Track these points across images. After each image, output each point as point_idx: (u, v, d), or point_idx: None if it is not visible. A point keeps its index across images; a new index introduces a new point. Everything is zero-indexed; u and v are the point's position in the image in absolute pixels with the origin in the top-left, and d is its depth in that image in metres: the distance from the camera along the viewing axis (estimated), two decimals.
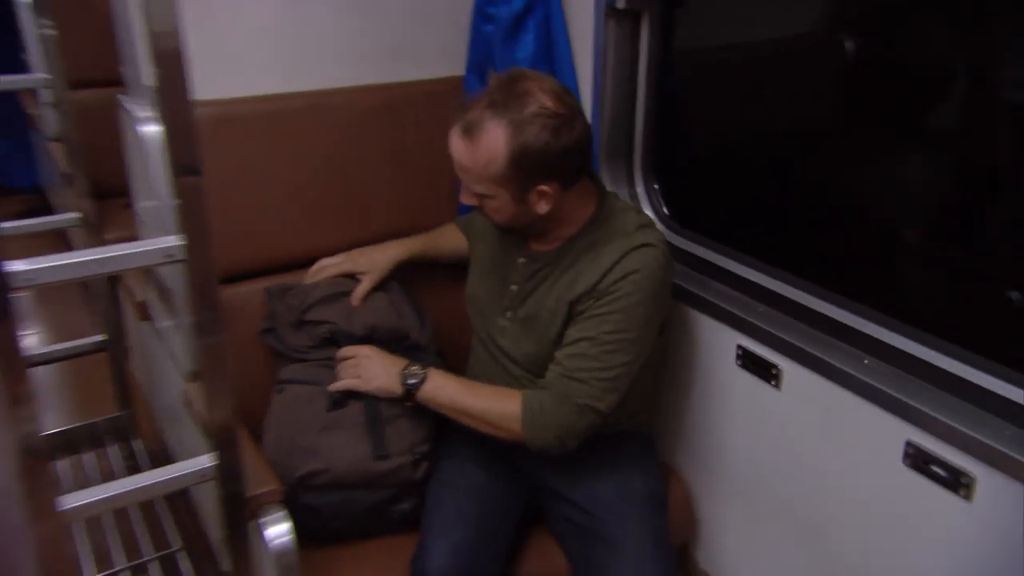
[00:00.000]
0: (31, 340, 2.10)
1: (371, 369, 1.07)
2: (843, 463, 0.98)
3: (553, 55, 1.21)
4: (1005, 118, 0.93)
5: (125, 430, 1.90)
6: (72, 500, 0.80)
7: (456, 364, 1.18)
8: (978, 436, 0.77)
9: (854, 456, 0.96)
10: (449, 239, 1.27)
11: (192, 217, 0.72)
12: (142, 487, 0.92)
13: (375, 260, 1.20)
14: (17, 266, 0.66)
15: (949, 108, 0.99)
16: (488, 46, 1.19)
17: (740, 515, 1.21)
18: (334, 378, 1.08)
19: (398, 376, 1.04)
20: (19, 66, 1.93)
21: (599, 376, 0.96)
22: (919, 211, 1.06)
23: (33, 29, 1.64)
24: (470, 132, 0.91)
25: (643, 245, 0.97)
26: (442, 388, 1.04)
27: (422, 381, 1.03)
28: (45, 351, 1.75)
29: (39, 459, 0.69)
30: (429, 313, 1.22)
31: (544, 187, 0.93)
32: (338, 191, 1.23)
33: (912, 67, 1.00)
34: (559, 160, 0.92)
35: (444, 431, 1.12)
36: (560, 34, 1.20)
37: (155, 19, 0.61)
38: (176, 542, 1.59)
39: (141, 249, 0.75)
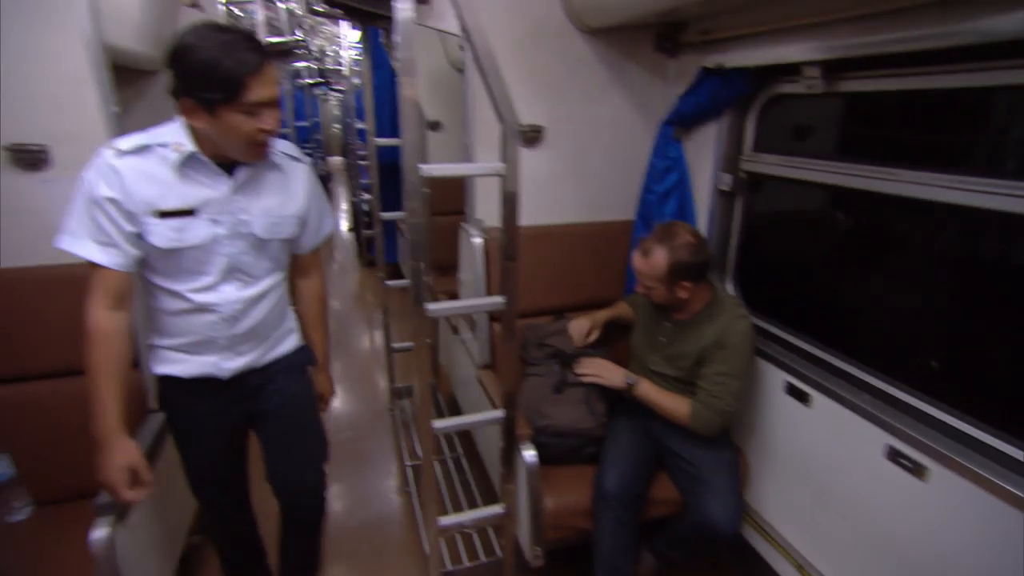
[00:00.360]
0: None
1: (607, 370, 1.83)
2: (845, 453, 1.60)
3: (686, 213, 2.05)
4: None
5: (434, 388, 2.99)
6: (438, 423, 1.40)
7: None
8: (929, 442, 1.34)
9: (851, 450, 1.58)
10: (624, 310, 2.05)
11: (509, 284, 1.46)
12: (468, 422, 1.58)
13: (597, 319, 2.01)
14: (432, 306, 1.36)
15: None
16: (649, 207, 2.05)
17: (773, 474, 1.84)
18: (557, 374, 1.88)
19: (623, 377, 1.78)
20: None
21: (730, 392, 1.67)
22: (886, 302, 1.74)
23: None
24: (646, 253, 1.70)
25: (742, 317, 1.71)
26: (647, 389, 1.77)
27: (637, 383, 1.77)
28: (400, 345, 2.86)
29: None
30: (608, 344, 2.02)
31: (685, 283, 1.69)
32: (566, 275, 2.10)
33: (872, 231, 1.73)
34: (694, 269, 1.67)
35: (613, 410, 1.89)
36: (689, 202, 2.04)
37: (507, 183, 1.34)
38: (458, 451, 2.58)
39: (484, 301, 1.53)
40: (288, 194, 1.42)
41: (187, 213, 1.25)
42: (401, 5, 1.19)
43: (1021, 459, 1.24)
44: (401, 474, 2.56)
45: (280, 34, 3.11)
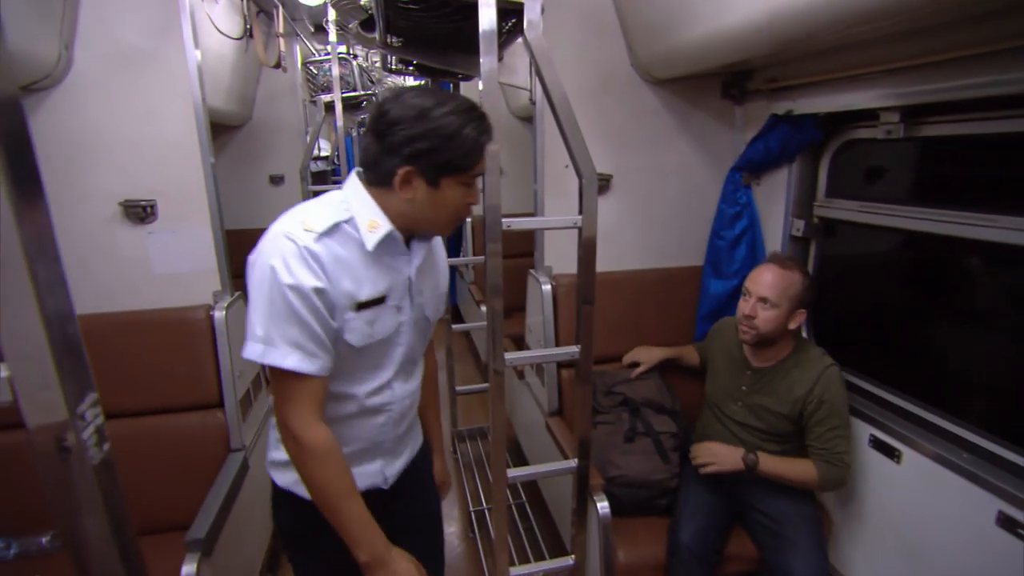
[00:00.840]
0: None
1: (723, 455, 1.69)
2: (945, 516, 1.49)
3: (757, 259, 2.01)
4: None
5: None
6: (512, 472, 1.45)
7: (688, 421, 1.94)
8: None
9: (953, 514, 1.48)
10: (689, 355, 2.03)
11: (585, 331, 1.49)
12: (541, 471, 1.62)
13: (655, 353, 2.01)
14: (509, 356, 1.40)
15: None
16: (718, 252, 2.03)
17: (861, 536, 1.73)
18: (627, 422, 1.85)
19: (742, 459, 1.65)
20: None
21: (848, 446, 1.62)
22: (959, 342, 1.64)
23: None
24: (785, 266, 1.64)
25: (832, 366, 1.64)
26: (769, 464, 1.64)
27: (756, 461, 1.64)
28: (464, 388, 2.89)
29: None
30: (677, 394, 1.99)
31: (801, 312, 1.64)
32: (633, 322, 2.10)
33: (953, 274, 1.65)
34: (812, 301, 1.67)
35: (686, 461, 1.83)
36: (761, 248, 2.02)
37: (585, 231, 1.40)
38: (522, 497, 2.57)
39: (561, 351, 1.54)
40: (438, 268, 1.30)
41: (379, 302, 1.10)
42: (486, 64, 1.27)
43: None
44: (465, 519, 2.53)
45: (352, 89, 3.32)
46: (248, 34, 2.85)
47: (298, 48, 3.35)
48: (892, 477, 1.63)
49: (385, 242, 1.08)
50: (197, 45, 1.73)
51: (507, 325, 2.73)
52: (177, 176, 1.81)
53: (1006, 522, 1.32)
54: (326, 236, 1.02)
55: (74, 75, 1.70)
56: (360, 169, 1.12)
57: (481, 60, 1.26)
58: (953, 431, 1.52)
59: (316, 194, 3.80)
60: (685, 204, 2.13)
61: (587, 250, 1.41)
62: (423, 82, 3.03)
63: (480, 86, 1.24)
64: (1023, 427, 1.43)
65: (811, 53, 1.67)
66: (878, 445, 1.66)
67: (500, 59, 1.84)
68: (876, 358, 1.84)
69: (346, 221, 1.05)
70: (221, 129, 3.32)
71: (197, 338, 1.82)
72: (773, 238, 2.01)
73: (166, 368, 1.80)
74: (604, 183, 2.03)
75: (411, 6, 1.33)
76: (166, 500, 1.72)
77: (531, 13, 1.27)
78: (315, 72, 3.31)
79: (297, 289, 0.98)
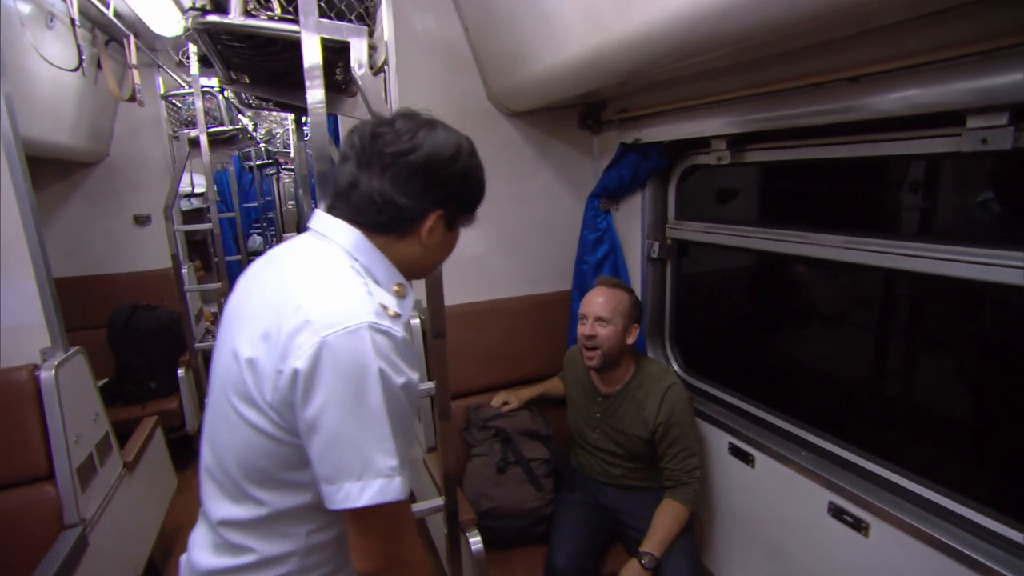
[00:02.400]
0: None
1: None
2: (791, 511, 1.60)
3: (620, 280, 2.10)
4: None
5: None
6: None
7: (563, 446, 1.96)
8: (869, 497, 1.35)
9: (795, 509, 1.59)
10: (555, 387, 2.07)
11: (439, 366, 1.45)
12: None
13: (522, 395, 2.03)
14: None
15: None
16: (584, 276, 2.09)
17: (728, 537, 1.83)
18: (499, 452, 1.84)
19: (643, 568, 1.58)
20: None
21: (697, 463, 1.69)
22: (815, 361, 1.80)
23: None
24: (612, 286, 1.77)
25: (676, 384, 1.73)
26: (659, 541, 1.60)
27: (652, 555, 1.58)
28: None
29: None
30: (551, 420, 1.99)
31: (635, 327, 1.73)
32: (506, 351, 2.10)
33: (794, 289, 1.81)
34: (641, 317, 1.77)
35: (560, 487, 1.85)
36: (623, 270, 2.10)
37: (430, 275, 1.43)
38: None
39: (420, 388, 1.60)
40: None
41: None
42: (312, 100, 1.25)
43: (959, 512, 1.26)
44: None
45: (220, 123, 3.17)
46: (96, 64, 2.66)
47: (160, 80, 3.16)
48: (748, 480, 1.74)
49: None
50: (3, 76, 1.57)
51: None
52: None
53: (836, 511, 1.44)
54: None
55: None
56: (330, 208, 0.90)
57: (307, 93, 1.24)
58: (794, 432, 1.64)
59: (189, 235, 3.49)
60: (551, 231, 2.18)
61: (434, 283, 1.40)
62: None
63: (308, 118, 1.21)
64: (851, 424, 1.58)
65: (652, 85, 1.79)
66: (736, 452, 1.75)
67: (352, 94, 1.82)
68: (729, 369, 1.95)
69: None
70: (73, 167, 3.05)
71: (19, 402, 1.62)
72: (634, 260, 2.10)
73: None
74: None
75: (236, 44, 1.28)
76: None
77: (357, 52, 1.27)
78: (178, 106, 3.13)
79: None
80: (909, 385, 1.61)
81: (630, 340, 1.76)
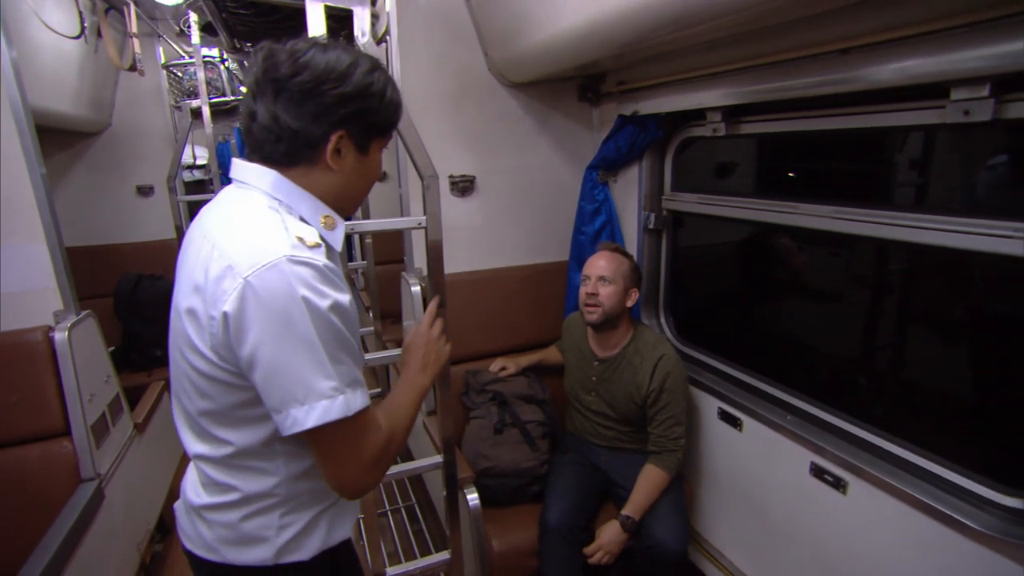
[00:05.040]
0: None
1: (606, 539, 1.66)
2: (775, 473, 1.68)
3: None
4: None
5: None
6: None
7: (559, 410, 2.03)
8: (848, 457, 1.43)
9: (779, 470, 1.66)
10: (552, 355, 2.13)
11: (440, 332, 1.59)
12: (408, 468, 1.60)
13: (520, 362, 2.09)
14: (365, 356, 1.50)
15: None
16: (581, 247, 2.13)
17: (716, 499, 1.91)
18: (496, 415, 1.91)
19: (620, 528, 1.67)
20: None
21: (682, 432, 1.75)
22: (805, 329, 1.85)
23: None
24: (614, 250, 1.84)
25: (671, 355, 1.78)
26: (638, 505, 1.68)
27: (630, 517, 1.67)
28: None
29: None
30: (547, 386, 2.07)
31: (635, 291, 1.80)
32: (505, 319, 2.16)
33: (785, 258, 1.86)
34: (640, 281, 1.84)
35: (556, 446, 1.93)
36: (620, 241, 2.14)
37: (430, 233, 1.43)
38: (412, 499, 2.56)
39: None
40: None
41: None
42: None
43: (933, 471, 1.33)
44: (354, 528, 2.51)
45: (222, 94, 3.18)
46: (96, 33, 2.66)
47: (161, 50, 3.16)
48: (736, 444, 1.80)
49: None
50: (11, 43, 1.60)
51: (396, 330, 2.74)
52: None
53: (817, 471, 1.51)
54: (325, 249, 0.85)
55: None
56: (249, 156, 0.89)
57: None
58: (781, 397, 1.71)
59: (191, 204, 3.50)
60: (549, 202, 2.23)
61: (434, 251, 1.45)
62: None
63: None
64: (835, 389, 1.64)
65: (650, 57, 1.81)
66: (725, 416, 1.82)
67: None
68: (719, 337, 2.02)
69: (301, 218, 0.88)
70: (76, 137, 3.07)
71: (35, 362, 1.68)
72: (631, 231, 2.14)
73: (0, 397, 1.65)
74: (468, 184, 2.08)
75: (241, 11, 1.31)
76: (10, 543, 1.57)
77: (361, 22, 1.30)
78: (180, 76, 3.13)
79: (337, 307, 0.81)
80: (898, 357, 1.67)
81: (629, 303, 1.82)
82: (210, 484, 0.92)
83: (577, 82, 2.17)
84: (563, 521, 1.72)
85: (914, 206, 1.44)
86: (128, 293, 2.93)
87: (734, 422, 1.79)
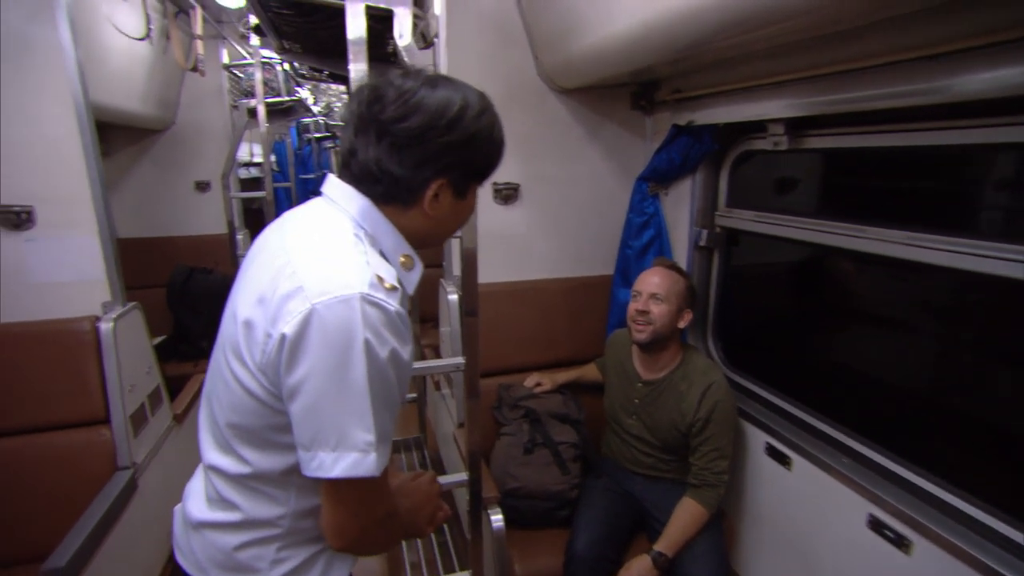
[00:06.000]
0: None
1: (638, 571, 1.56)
2: (827, 521, 1.52)
3: None
4: None
5: (420, 444, 2.98)
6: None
7: (594, 432, 1.93)
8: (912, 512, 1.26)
9: (832, 518, 1.50)
10: (590, 373, 2.04)
11: (470, 342, 1.47)
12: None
13: (556, 378, 2.01)
14: None
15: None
16: (627, 262, 2.04)
17: (759, 541, 1.76)
18: (527, 433, 1.83)
19: (652, 563, 1.55)
20: None
21: (726, 467, 1.64)
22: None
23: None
24: (670, 267, 1.74)
25: (721, 384, 1.66)
26: (672, 541, 1.57)
27: (663, 554, 1.56)
28: None
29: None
30: (583, 406, 1.97)
31: (688, 313, 1.70)
32: (543, 332, 2.09)
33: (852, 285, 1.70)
34: (695, 303, 1.73)
35: (589, 471, 1.83)
36: (669, 257, 2.03)
37: (465, 241, 1.39)
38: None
39: (447, 363, 1.53)
40: None
41: None
42: (355, 69, 1.26)
43: (1006, 533, 1.16)
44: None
45: (277, 94, 3.26)
46: (165, 35, 2.77)
47: (225, 51, 3.27)
48: (784, 483, 1.66)
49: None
50: (77, 44, 1.65)
51: (434, 334, 2.71)
52: (58, 181, 1.72)
53: (875, 524, 1.36)
54: (400, 293, 0.80)
55: None
56: (340, 174, 0.86)
57: (350, 67, 1.24)
58: (836, 437, 1.56)
59: (245, 203, 3.59)
60: (596, 213, 2.13)
61: (468, 259, 1.40)
62: None
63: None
64: (899, 433, 1.48)
65: (708, 64, 1.70)
66: (772, 453, 1.68)
67: (394, 62, 1.83)
68: (772, 367, 1.87)
69: (384, 256, 0.84)
70: (143, 133, 3.21)
71: (80, 351, 1.73)
72: (680, 248, 2.03)
73: (46, 383, 1.70)
74: (512, 192, 2.02)
75: (284, 11, 1.30)
76: (43, 526, 1.63)
77: (402, 23, 1.26)
78: (240, 76, 3.23)
79: (395, 358, 0.77)
80: (976, 400, 1.49)
81: (682, 324, 1.71)
82: (216, 500, 0.89)
83: (630, 89, 2.08)
84: (591, 551, 1.62)
85: (1003, 235, 1.28)
86: (180, 285, 3.02)
87: (783, 459, 1.65)
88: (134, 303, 1.91)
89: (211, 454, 0.89)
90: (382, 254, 0.84)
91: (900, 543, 1.30)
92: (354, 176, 0.83)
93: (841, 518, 1.46)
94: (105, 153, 3.12)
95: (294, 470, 0.82)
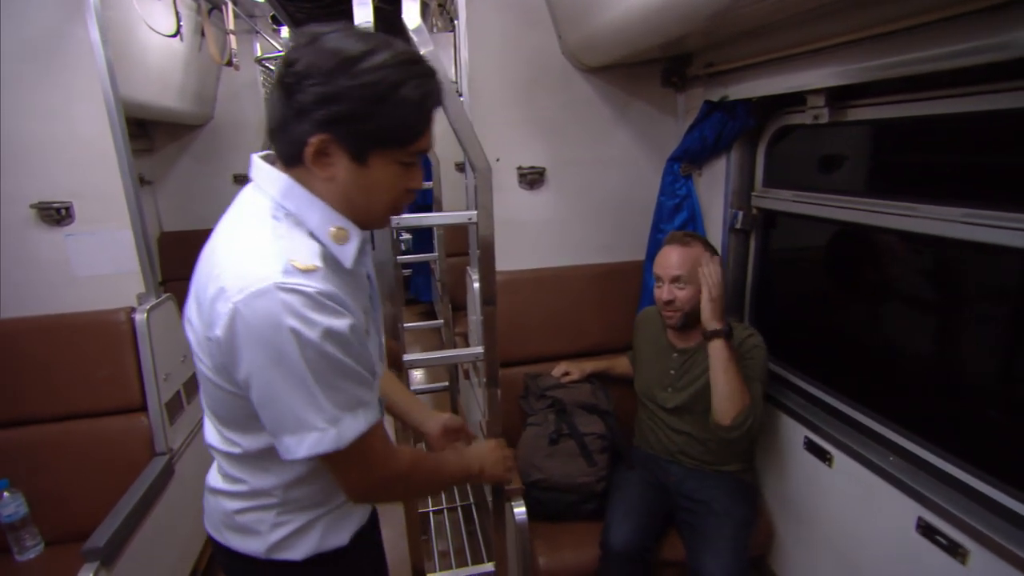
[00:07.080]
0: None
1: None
2: (872, 523, 1.41)
3: None
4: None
5: None
6: None
7: (625, 424, 1.87)
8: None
9: (878, 520, 1.39)
10: (621, 365, 1.97)
11: (489, 331, 1.43)
12: None
13: (584, 368, 1.95)
14: (408, 357, 1.42)
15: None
16: (659, 246, 1.90)
17: (797, 540, 1.67)
18: (553, 424, 1.78)
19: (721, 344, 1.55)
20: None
21: (758, 394, 1.57)
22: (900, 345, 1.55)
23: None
24: (686, 243, 1.66)
25: (753, 335, 1.62)
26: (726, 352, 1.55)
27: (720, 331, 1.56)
28: (425, 387, 3.03)
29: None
30: (612, 396, 1.91)
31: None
32: (572, 320, 2.02)
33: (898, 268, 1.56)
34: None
35: (616, 464, 1.77)
36: None
37: (481, 228, 1.35)
38: (469, 499, 2.53)
39: (465, 352, 1.54)
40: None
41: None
42: None
43: None
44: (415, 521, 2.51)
45: None
46: (200, 32, 2.82)
47: (258, 45, 3.31)
48: (824, 481, 1.56)
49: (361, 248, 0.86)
50: (107, 43, 1.69)
51: (466, 322, 2.69)
52: (93, 178, 1.77)
53: (926, 529, 1.25)
54: (324, 270, 0.77)
55: None
56: (264, 151, 0.83)
57: None
58: (882, 433, 1.44)
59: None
60: (626, 197, 2.05)
61: (485, 247, 1.36)
62: None
63: None
64: (953, 431, 1.36)
65: (742, 33, 1.58)
66: (812, 448, 1.58)
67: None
68: (815, 357, 1.75)
69: (310, 233, 0.80)
70: (183, 129, 3.30)
71: (118, 340, 1.79)
72: (715, 231, 1.92)
73: (86, 372, 1.77)
74: (537, 176, 1.96)
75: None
76: (85, 507, 1.69)
77: (410, 4, 1.21)
78: (271, 69, 3.27)
79: (332, 334, 0.75)
80: None
81: None
82: (223, 473, 0.96)
83: (661, 65, 1.97)
84: (630, 544, 1.55)
85: None
86: None
87: (823, 455, 1.54)
88: (168, 294, 1.97)
89: (208, 435, 0.95)
90: (312, 234, 0.80)
91: (954, 551, 1.19)
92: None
93: (887, 521, 1.35)
94: (149, 149, 3.27)
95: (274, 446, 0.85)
